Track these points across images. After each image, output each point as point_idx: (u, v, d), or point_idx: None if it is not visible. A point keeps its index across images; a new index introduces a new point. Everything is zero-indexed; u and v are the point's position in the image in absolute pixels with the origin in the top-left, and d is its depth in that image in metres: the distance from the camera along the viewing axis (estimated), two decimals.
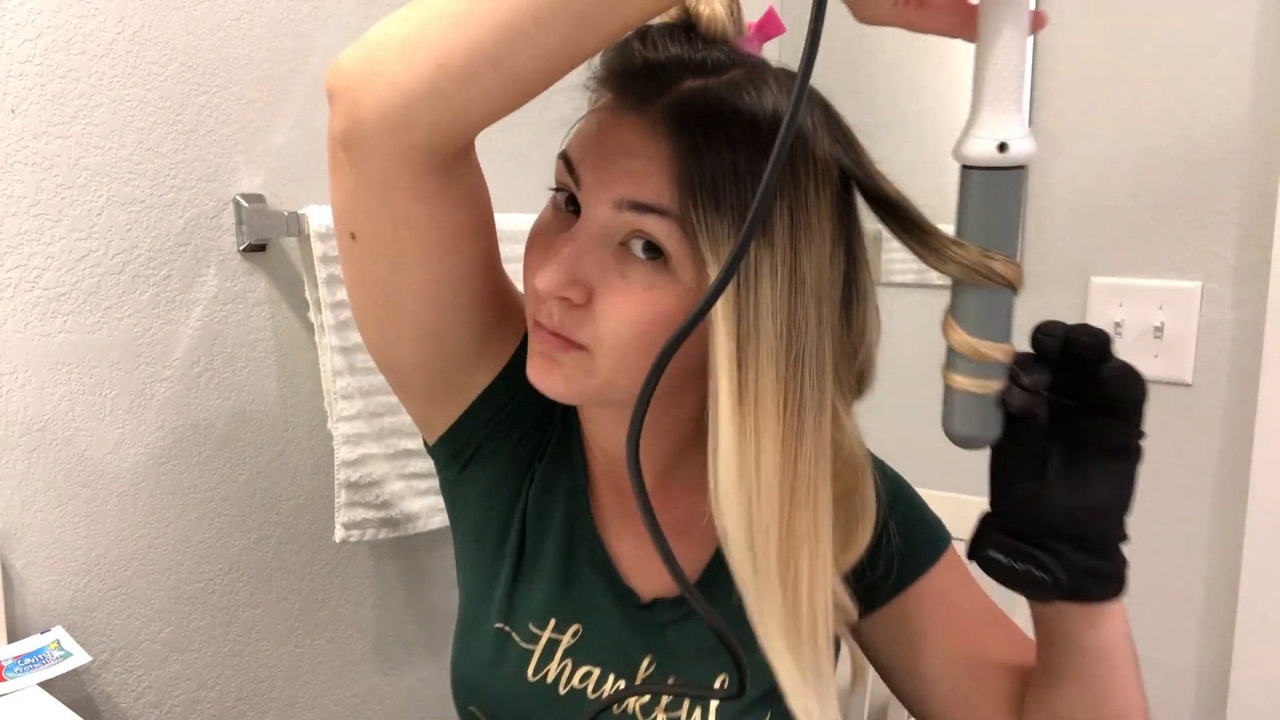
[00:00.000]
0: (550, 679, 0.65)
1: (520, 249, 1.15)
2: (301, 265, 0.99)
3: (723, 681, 0.64)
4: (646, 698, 0.64)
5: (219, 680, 1.01)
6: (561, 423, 0.70)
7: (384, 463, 1.02)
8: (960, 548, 0.62)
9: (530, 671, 0.65)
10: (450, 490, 0.72)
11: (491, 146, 1.16)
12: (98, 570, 0.91)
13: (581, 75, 0.57)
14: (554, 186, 0.59)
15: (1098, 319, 1.22)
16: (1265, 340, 1.08)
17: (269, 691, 1.06)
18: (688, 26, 0.56)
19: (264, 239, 0.97)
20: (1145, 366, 1.31)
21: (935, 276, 1.47)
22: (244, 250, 0.97)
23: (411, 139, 0.49)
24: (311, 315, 0.99)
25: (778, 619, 0.54)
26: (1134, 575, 1.22)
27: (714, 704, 0.63)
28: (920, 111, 1.39)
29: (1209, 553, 1.16)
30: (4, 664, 0.79)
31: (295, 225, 0.95)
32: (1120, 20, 1.18)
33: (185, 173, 0.92)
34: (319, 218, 0.94)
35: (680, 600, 0.65)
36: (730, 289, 0.50)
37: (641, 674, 0.65)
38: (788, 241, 0.51)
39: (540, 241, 0.58)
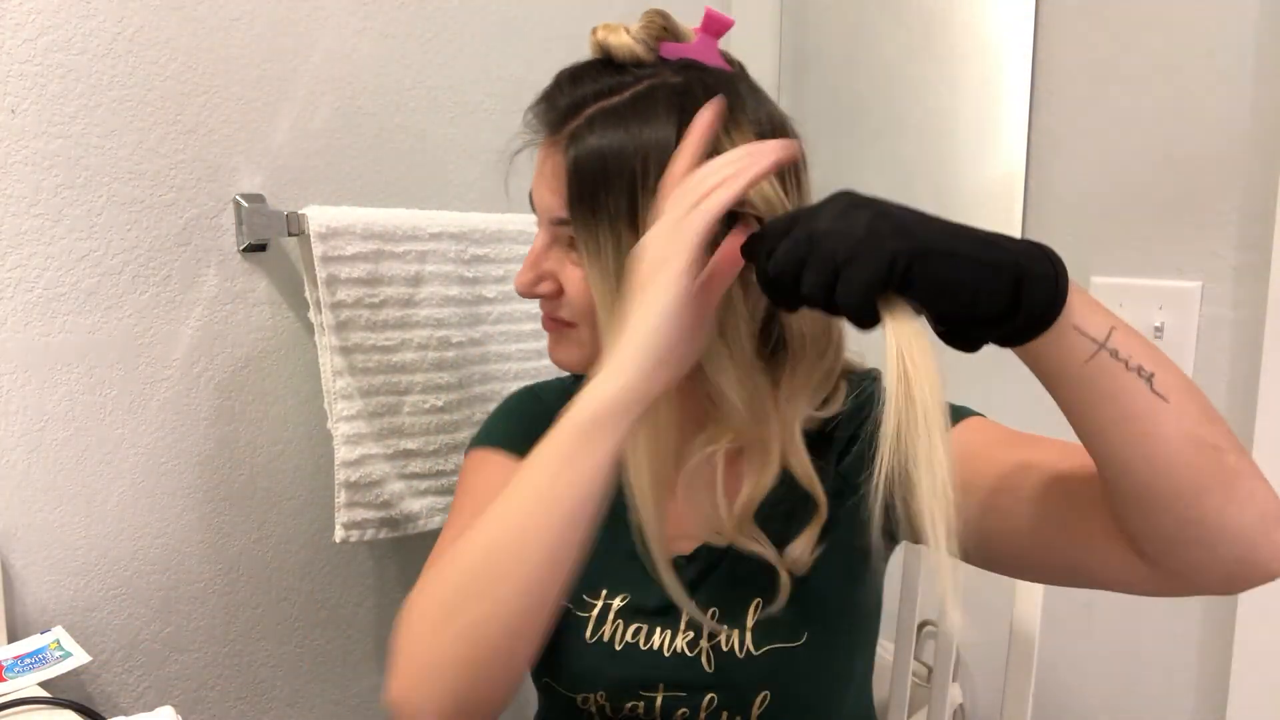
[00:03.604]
0: (606, 638, 0.74)
1: (522, 249, 1.16)
2: (301, 265, 0.99)
3: (756, 605, 0.72)
4: (690, 633, 0.72)
5: (219, 680, 1.01)
6: None
7: (384, 463, 1.02)
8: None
9: (588, 634, 0.74)
10: None
11: (490, 146, 1.17)
12: (98, 570, 0.91)
13: (524, 117, 0.71)
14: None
15: None
16: (1265, 340, 1.08)
17: (269, 691, 1.06)
18: (605, 60, 0.68)
19: (264, 239, 0.97)
20: None
21: None
22: (244, 250, 0.97)
23: None
24: (311, 315, 0.99)
25: None
26: None
27: (749, 625, 0.71)
28: (920, 111, 1.39)
29: None
30: (4, 664, 0.79)
31: (295, 225, 0.95)
32: (1120, 21, 1.18)
33: (185, 173, 0.92)
34: (319, 218, 0.94)
35: (694, 555, 0.75)
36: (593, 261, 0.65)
37: (684, 619, 0.73)
38: (648, 221, 0.62)
39: (531, 250, 0.72)
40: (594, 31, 0.68)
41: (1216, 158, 1.12)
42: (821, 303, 0.51)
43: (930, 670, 1.17)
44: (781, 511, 0.71)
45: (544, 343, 1.15)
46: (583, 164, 0.64)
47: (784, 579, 0.71)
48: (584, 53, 0.71)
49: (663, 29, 0.67)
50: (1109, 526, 0.57)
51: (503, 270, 1.10)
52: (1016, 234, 1.28)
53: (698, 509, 0.73)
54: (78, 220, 0.86)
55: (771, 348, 0.69)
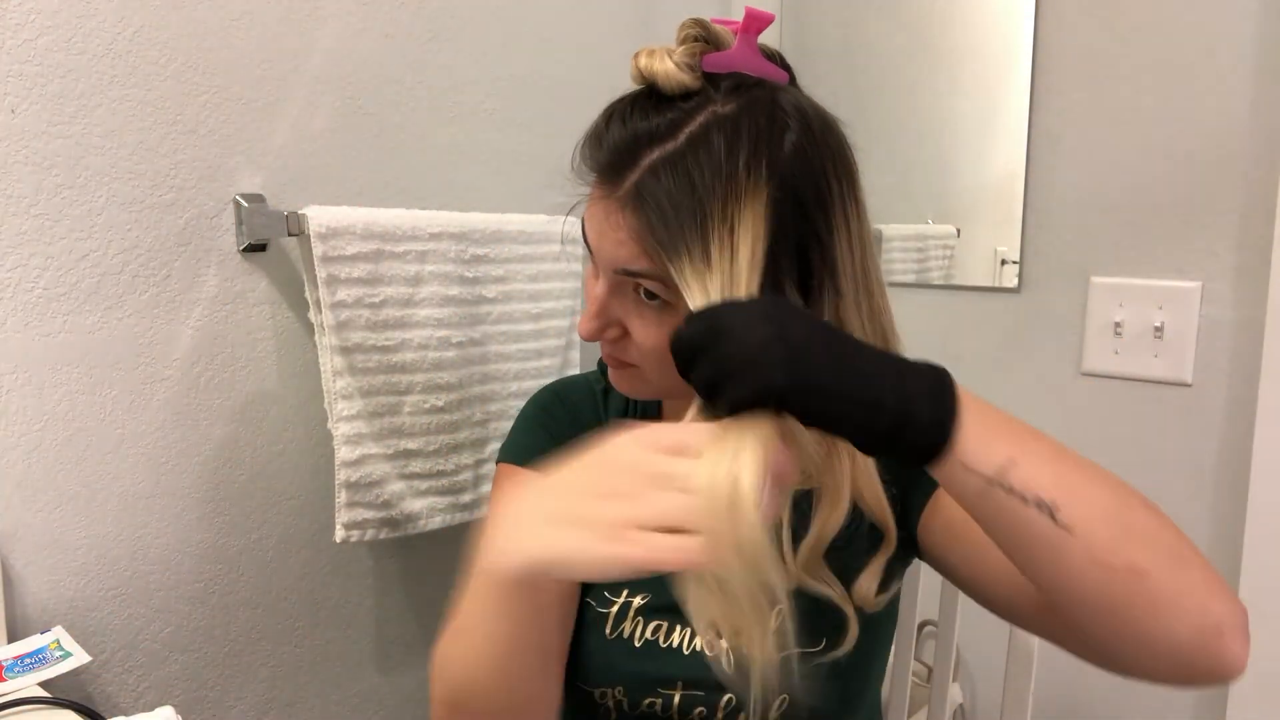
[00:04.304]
0: (626, 634, 0.75)
1: (522, 249, 1.16)
2: (301, 265, 0.99)
3: (778, 610, 0.72)
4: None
5: (219, 680, 1.01)
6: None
7: (384, 463, 1.02)
8: None
9: (608, 630, 0.75)
10: None
11: (490, 146, 1.17)
12: (98, 570, 0.91)
13: (573, 159, 0.69)
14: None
15: (1098, 319, 1.22)
16: (1265, 340, 1.08)
17: (269, 691, 1.06)
18: (650, 91, 0.65)
19: (264, 239, 0.97)
20: (1145, 366, 1.31)
21: (935, 276, 1.46)
22: (244, 250, 0.97)
23: None
24: (311, 315, 0.99)
25: None
26: None
27: (771, 629, 0.72)
28: (920, 111, 1.39)
29: (1209, 553, 1.15)
30: (4, 664, 0.79)
31: (295, 225, 0.95)
32: (1120, 21, 1.18)
33: (185, 173, 0.92)
34: (319, 218, 0.94)
35: None
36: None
37: None
38: (721, 259, 0.61)
39: (588, 291, 0.72)
40: (636, 58, 0.65)
41: (1216, 158, 1.12)
42: (702, 393, 0.54)
43: (930, 670, 1.17)
44: (845, 541, 0.70)
45: (543, 343, 1.16)
46: (654, 218, 0.62)
47: (852, 618, 0.70)
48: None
49: (704, 41, 0.65)
50: None
51: (503, 270, 1.10)
52: (1016, 235, 1.29)
53: None
54: (78, 220, 0.86)
55: None
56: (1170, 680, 0.55)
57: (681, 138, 0.62)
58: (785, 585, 0.68)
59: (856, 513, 0.70)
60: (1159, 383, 1.19)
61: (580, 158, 0.68)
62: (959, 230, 1.37)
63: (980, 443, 0.52)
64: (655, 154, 0.63)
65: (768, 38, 0.67)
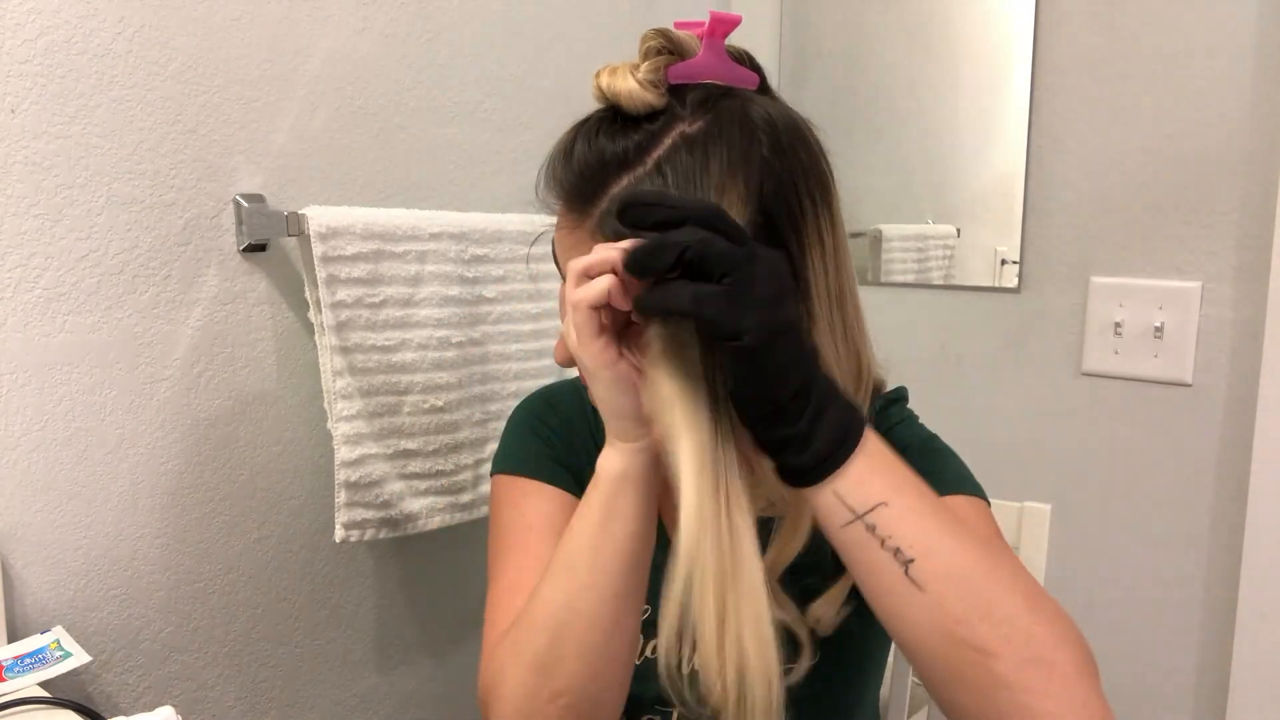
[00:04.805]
0: None
1: (522, 249, 1.16)
2: (301, 265, 0.99)
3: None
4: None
5: (219, 680, 1.01)
6: None
7: (384, 463, 1.02)
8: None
9: None
10: None
11: (490, 146, 1.17)
12: (98, 570, 0.91)
13: (537, 185, 0.67)
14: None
15: (1098, 319, 1.22)
16: (1265, 340, 1.08)
17: (269, 691, 1.06)
18: (614, 112, 0.62)
19: (264, 239, 0.97)
20: (1145, 366, 1.31)
21: (935, 276, 1.46)
22: (244, 250, 0.97)
23: None
24: (311, 315, 0.99)
25: None
26: (1135, 575, 1.21)
27: None
28: (920, 111, 1.39)
29: (1209, 553, 1.16)
30: (4, 664, 0.79)
31: (295, 225, 0.95)
32: (1120, 20, 1.18)
33: (185, 173, 0.92)
34: (319, 218, 0.94)
35: None
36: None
37: None
38: None
39: (562, 314, 0.68)
40: (597, 77, 0.63)
41: (1216, 158, 1.12)
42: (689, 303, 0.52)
43: None
44: (809, 563, 0.69)
45: (544, 343, 1.16)
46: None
47: (805, 640, 0.68)
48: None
49: (668, 53, 0.62)
50: None
51: (503, 270, 1.10)
52: (1016, 235, 1.29)
53: None
54: (78, 220, 0.86)
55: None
56: None
57: (650, 162, 0.60)
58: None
59: (819, 538, 0.70)
60: (1159, 383, 1.19)
61: (545, 184, 0.66)
62: (959, 230, 1.37)
63: (867, 476, 0.52)
64: (624, 180, 0.61)
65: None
